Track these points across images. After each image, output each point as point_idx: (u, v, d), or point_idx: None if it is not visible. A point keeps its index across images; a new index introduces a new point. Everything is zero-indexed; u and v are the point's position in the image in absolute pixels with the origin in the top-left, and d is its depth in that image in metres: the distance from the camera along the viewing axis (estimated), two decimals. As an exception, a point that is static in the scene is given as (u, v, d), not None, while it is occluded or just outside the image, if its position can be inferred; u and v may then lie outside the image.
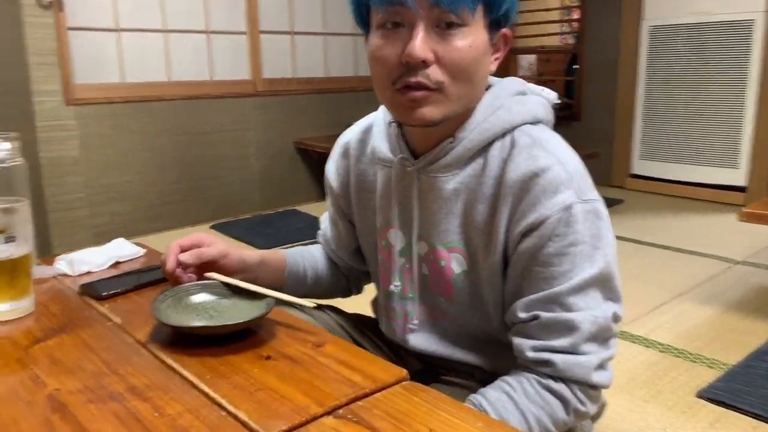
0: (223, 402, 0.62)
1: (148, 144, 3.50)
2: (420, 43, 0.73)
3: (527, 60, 5.45)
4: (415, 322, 0.92)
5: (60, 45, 3.11)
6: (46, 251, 1.05)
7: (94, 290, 0.93)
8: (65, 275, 1.01)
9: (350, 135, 1.01)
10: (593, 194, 0.78)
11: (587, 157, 1.09)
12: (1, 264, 0.82)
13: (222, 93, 3.76)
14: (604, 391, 0.82)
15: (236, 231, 3.47)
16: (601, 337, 0.77)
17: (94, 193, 3.31)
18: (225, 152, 3.81)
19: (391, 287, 0.93)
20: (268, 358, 0.71)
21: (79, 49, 3.21)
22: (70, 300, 0.92)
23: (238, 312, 0.81)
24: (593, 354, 0.76)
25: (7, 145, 0.97)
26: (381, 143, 0.92)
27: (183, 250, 0.90)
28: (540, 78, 5.17)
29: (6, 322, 0.83)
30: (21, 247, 0.84)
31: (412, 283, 0.91)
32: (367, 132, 0.97)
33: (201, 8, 3.65)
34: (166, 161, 3.58)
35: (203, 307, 0.83)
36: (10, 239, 0.82)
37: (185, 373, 0.68)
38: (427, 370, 0.97)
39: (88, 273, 1.03)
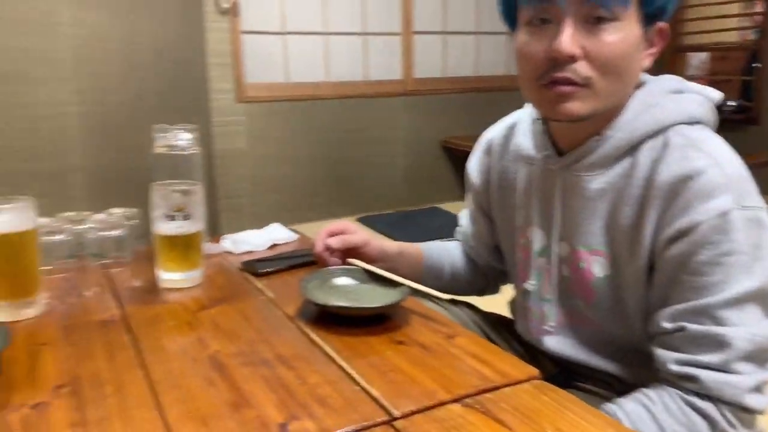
0: (358, 378, 0.66)
1: (305, 140, 3.74)
2: (568, 38, 0.72)
3: (698, 58, 5.00)
4: (552, 324, 0.91)
5: (234, 47, 3.43)
6: (214, 233, 1.19)
7: (253, 267, 1.03)
8: (229, 253, 1.13)
9: (494, 132, 1.02)
10: (756, 201, 0.72)
11: (766, 165, 0.95)
12: (178, 238, 0.94)
13: (374, 93, 3.91)
14: (763, 421, 0.75)
15: (379, 225, 3.59)
16: (760, 357, 0.70)
17: (256, 184, 3.61)
18: (374, 149, 3.96)
19: (528, 286, 0.92)
20: (401, 343, 0.75)
21: (250, 51, 3.51)
22: (232, 274, 1.03)
23: (376, 297, 0.86)
24: (748, 374, 0.70)
25: (188, 135, 1.11)
26: (525, 140, 0.92)
27: (331, 236, 0.98)
28: (713, 77, 4.72)
29: (180, 289, 0.95)
30: (194, 225, 0.95)
31: (550, 284, 0.89)
32: (511, 129, 0.97)
33: (359, 11, 3.82)
34: (321, 156, 3.80)
35: (345, 289, 0.89)
36: (186, 217, 0.94)
37: (326, 347, 0.73)
38: (562, 375, 0.95)
39: (249, 252, 1.14)
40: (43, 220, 1.02)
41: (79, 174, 2.10)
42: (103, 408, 0.60)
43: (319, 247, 0.97)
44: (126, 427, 0.57)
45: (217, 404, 0.61)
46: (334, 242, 0.97)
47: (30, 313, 0.84)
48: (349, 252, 0.98)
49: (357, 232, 1.00)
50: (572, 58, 0.73)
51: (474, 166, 1.05)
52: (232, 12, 3.39)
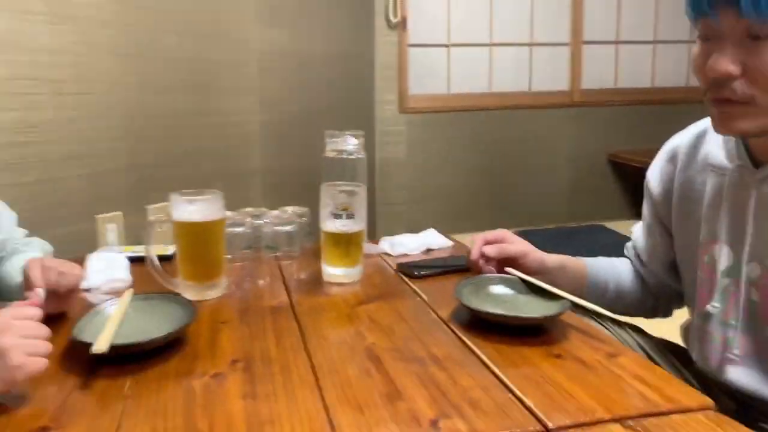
0: (512, 386, 0.64)
1: (465, 150, 3.75)
2: (720, 58, 0.69)
3: None
4: (736, 352, 0.81)
5: (400, 60, 3.55)
6: (371, 238, 1.24)
7: (409, 269, 1.05)
8: (387, 254, 1.17)
9: (680, 139, 0.94)
10: None
11: None
12: (342, 236, 0.99)
13: (538, 104, 3.81)
14: None
15: (537, 240, 3.43)
16: None
17: (414, 192, 3.69)
18: (535, 162, 3.85)
19: (709, 308, 0.84)
20: (559, 356, 0.72)
21: (414, 64, 3.61)
22: (388, 275, 1.06)
23: (533, 308, 0.83)
24: None
25: (356, 141, 1.17)
26: (716, 149, 0.84)
27: (488, 244, 0.97)
28: None
29: (341, 284, 1.00)
30: (357, 224, 1.00)
31: (736, 308, 0.81)
32: (700, 137, 0.90)
33: (526, 22, 3.76)
34: (479, 167, 3.78)
35: (500, 298, 0.88)
36: (350, 216, 0.99)
37: (479, 353, 0.73)
38: (743, 414, 0.85)
39: (405, 255, 1.17)
40: (228, 214, 1.13)
41: (258, 175, 2.31)
42: (270, 384, 0.66)
43: (474, 254, 0.97)
44: (289, 404, 0.61)
45: (371, 393, 0.63)
46: (491, 251, 0.96)
47: (214, 294, 0.94)
48: (506, 262, 0.96)
49: (515, 242, 0.98)
50: (730, 77, 0.69)
51: (655, 174, 0.97)
52: (401, 26, 3.51)
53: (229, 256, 1.09)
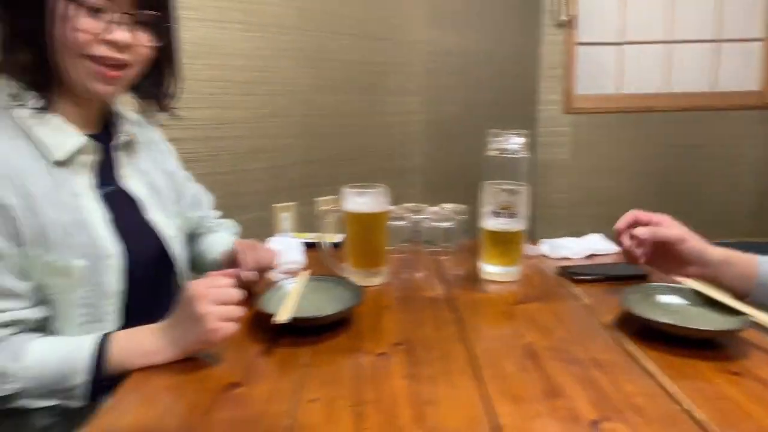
0: (680, 398, 0.61)
1: (634, 153, 3.52)
2: None
3: None
4: None
5: (567, 59, 3.43)
6: (529, 239, 1.23)
7: (570, 273, 1.03)
8: (546, 256, 1.15)
9: None
10: None
11: None
12: (501, 234, 1.00)
13: (722, 105, 3.46)
14: None
15: (714, 254, 3.16)
16: None
17: (576, 195, 3.55)
18: (716, 169, 3.51)
19: None
20: (737, 374, 0.67)
21: (582, 63, 3.47)
22: (548, 277, 1.05)
23: (706, 321, 0.78)
24: None
25: (520, 140, 1.17)
26: None
27: (640, 224, 0.91)
28: None
29: (498, 282, 1.01)
30: (518, 224, 1.00)
31: None
32: None
33: (711, 17, 3.44)
34: (650, 171, 3.53)
35: (671, 308, 0.83)
36: (511, 215, 1.00)
37: (644, 362, 0.70)
38: None
39: (566, 258, 1.14)
40: (391, 207, 1.19)
41: (418, 173, 2.38)
42: (430, 368, 0.69)
43: (620, 225, 0.91)
44: (449, 389, 0.64)
45: (529, 388, 0.64)
46: (643, 232, 0.89)
47: (376, 281, 1.00)
48: (661, 247, 0.89)
49: (673, 226, 0.90)
50: None
51: None
52: (569, 24, 3.39)
53: (390, 248, 1.15)
